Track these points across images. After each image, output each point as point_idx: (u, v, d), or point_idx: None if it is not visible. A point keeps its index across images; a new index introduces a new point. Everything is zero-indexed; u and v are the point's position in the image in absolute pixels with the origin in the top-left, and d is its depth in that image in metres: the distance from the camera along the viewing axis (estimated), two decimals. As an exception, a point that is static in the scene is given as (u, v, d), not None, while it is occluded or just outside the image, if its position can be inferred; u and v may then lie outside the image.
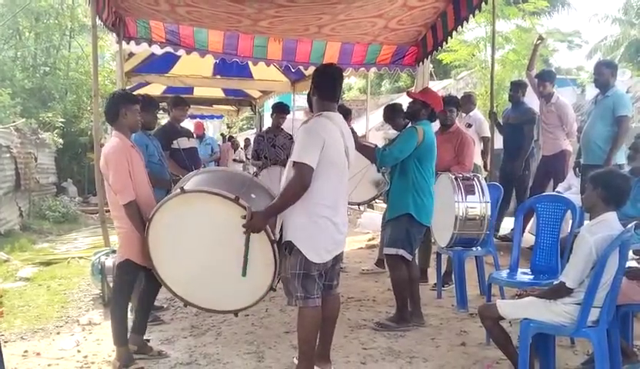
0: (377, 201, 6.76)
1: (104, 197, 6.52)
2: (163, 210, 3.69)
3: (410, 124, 4.95)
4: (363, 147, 4.88)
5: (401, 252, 4.76)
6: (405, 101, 5.19)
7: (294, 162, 3.48)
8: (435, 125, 6.07)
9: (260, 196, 3.80)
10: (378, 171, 5.56)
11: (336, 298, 3.89)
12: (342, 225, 3.71)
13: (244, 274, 3.58)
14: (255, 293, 3.74)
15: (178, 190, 3.67)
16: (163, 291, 5.48)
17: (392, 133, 7.97)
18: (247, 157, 14.90)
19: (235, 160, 14.29)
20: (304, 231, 3.54)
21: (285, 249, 3.59)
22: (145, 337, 4.33)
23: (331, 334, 3.91)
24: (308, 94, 3.83)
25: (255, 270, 3.64)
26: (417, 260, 6.03)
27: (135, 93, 5.21)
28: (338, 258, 3.77)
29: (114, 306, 4.07)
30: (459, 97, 7.09)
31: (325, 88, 3.73)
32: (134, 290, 4.16)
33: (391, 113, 6.41)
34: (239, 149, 15.58)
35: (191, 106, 13.26)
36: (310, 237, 3.54)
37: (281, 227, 3.65)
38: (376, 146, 4.97)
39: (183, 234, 3.71)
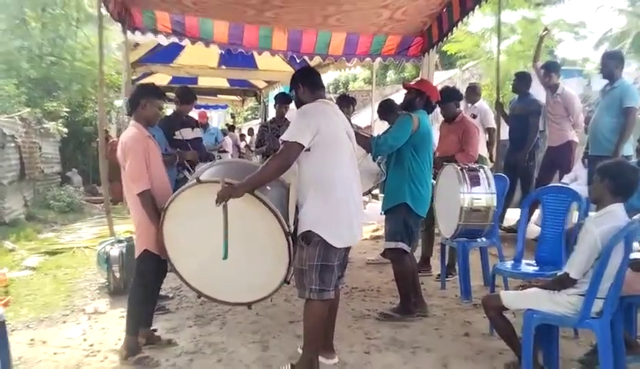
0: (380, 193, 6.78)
1: (109, 187, 6.61)
2: (178, 200, 3.69)
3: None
4: (358, 137, 4.85)
5: (401, 245, 4.75)
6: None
7: (282, 141, 3.52)
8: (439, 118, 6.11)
9: (275, 187, 3.79)
10: (374, 160, 5.54)
11: (337, 288, 3.91)
12: (359, 206, 3.76)
13: (225, 256, 3.53)
14: (269, 286, 3.74)
15: (194, 180, 3.67)
16: (168, 280, 5.54)
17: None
18: (250, 148, 14.79)
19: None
20: (324, 218, 3.53)
21: (302, 240, 3.58)
22: (151, 328, 4.34)
23: (334, 324, 3.95)
24: (297, 96, 3.83)
25: (269, 263, 3.65)
26: (420, 249, 6.07)
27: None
28: (347, 250, 3.79)
29: (132, 294, 4.08)
30: (464, 88, 7.07)
31: (313, 80, 3.83)
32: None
33: (385, 110, 6.41)
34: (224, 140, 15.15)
35: (196, 96, 13.27)
36: (331, 222, 3.53)
37: (295, 220, 3.63)
38: (371, 135, 4.96)
39: (198, 225, 3.71)
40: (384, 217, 4.99)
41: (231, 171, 3.85)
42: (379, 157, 5.33)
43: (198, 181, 3.63)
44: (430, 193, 4.89)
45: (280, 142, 3.59)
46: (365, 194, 6.54)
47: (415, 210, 4.72)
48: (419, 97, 4.84)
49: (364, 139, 4.84)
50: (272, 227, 3.55)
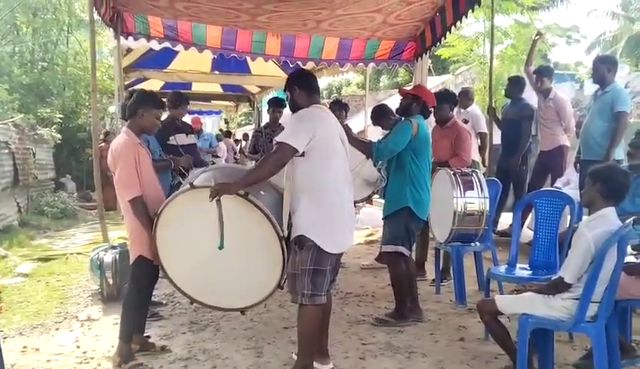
0: (377, 197, 6.79)
1: (102, 193, 6.57)
2: (172, 205, 3.68)
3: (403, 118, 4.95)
4: (358, 142, 4.88)
5: (401, 249, 4.76)
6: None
7: (277, 142, 3.51)
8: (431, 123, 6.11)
9: (269, 193, 3.80)
10: (375, 165, 5.55)
11: (329, 293, 3.90)
12: (351, 211, 3.78)
13: (221, 246, 3.50)
14: (262, 291, 3.74)
15: (188, 186, 3.65)
16: (162, 287, 5.52)
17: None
18: (244, 154, 14.84)
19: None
20: (318, 222, 3.53)
21: (295, 244, 3.58)
22: (144, 334, 4.32)
23: (327, 329, 3.94)
24: (292, 98, 3.79)
25: (263, 268, 3.65)
26: (414, 254, 6.06)
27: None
28: (339, 254, 3.79)
29: (127, 300, 4.06)
30: (457, 92, 7.08)
31: (310, 83, 3.81)
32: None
33: (378, 115, 6.41)
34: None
35: (190, 102, 13.25)
36: (325, 227, 3.54)
37: (289, 224, 3.63)
38: (370, 141, 4.96)
39: (191, 231, 3.70)
40: (377, 222, 4.99)
41: (224, 176, 3.84)
42: (379, 163, 5.34)
43: (192, 187, 3.62)
44: (429, 196, 4.89)
45: (274, 143, 3.59)
46: (365, 199, 6.56)
47: (417, 213, 4.73)
48: (416, 102, 4.85)
49: (364, 145, 4.87)
50: (267, 232, 3.54)
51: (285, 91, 3.88)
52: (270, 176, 3.58)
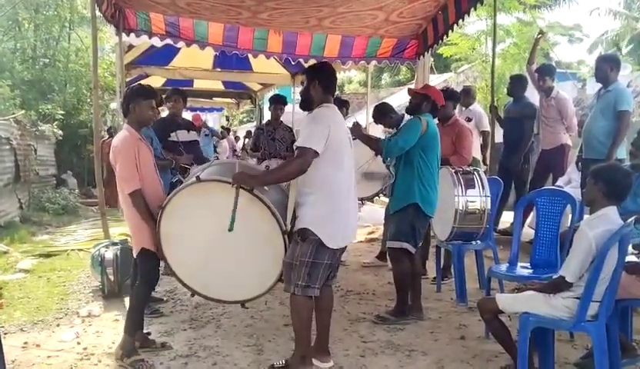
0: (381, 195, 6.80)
1: (104, 189, 6.59)
2: (177, 198, 3.71)
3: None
4: (368, 139, 4.93)
5: (406, 245, 4.76)
6: (405, 95, 5.20)
7: (297, 147, 3.53)
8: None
9: (273, 189, 3.84)
10: (384, 162, 5.56)
11: (330, 290, 3.94)
12: (355, 209, 3.83)
13: (231, 228, 3.54)
14: (264, 284, 3.78)
15: (194, 178, 3.68)
16: (162, 284, 5.52)
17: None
18: (246, 151, 14.87)
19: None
20: (323, 218, 3.57)
21: (297, 236, 3.61)
22: (144, 331, 4.32)
23: (328, 326, 3.95)
24: (307, 88, 3.82)
25: (265, 261, 3.69)
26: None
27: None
28: (342, 251, 3.81)
29: (133, 294, 4.11)
30: (459, 91, 7.07)
31: (330, 82, 3.83)
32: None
33: (380, 113, 6.42)
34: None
35: (191, 99, 13.26)
36: (328, 223, 3.58)
37: (292, 218, 3.65)
38: (379, 138, 4.98)
39: (195, 223, 3.73)
40: (379, 219, 4.99)
41: (228, 171, 3.86)
42: (388, 160, 5.35)
43: (198, 180, 3.65)
44: (437, 195, 4.89)
45: (294, 148, 3.62)
46: (373, 196, 6.58)
47: (424, 210, 4.74)
48: (426, 101, 4.86)
49: (374, 142, 4.90)
50: (270, 226, 3.60)
51: (302, 73, 3.89)
52: (291, 179, 3.63)
